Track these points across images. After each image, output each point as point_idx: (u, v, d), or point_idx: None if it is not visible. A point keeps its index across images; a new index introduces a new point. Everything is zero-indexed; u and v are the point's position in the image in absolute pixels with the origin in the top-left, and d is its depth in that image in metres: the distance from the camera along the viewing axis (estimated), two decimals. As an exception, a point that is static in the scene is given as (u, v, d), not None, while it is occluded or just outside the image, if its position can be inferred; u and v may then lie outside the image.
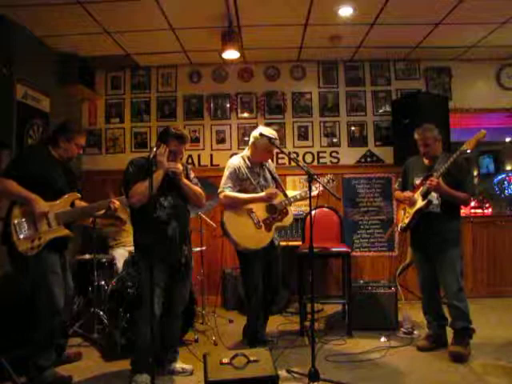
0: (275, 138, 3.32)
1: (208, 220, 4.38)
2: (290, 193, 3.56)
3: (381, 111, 5.36)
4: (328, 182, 3.44)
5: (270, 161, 3.65)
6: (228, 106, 5.39)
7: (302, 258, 3.88)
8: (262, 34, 4.51)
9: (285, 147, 5.22)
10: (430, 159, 3.35)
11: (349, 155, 5.33)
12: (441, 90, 5.27)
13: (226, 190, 3.33)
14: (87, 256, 4.11)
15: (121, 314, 3.35)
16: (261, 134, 3.35)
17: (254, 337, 3.40)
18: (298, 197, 3.44)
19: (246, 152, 3.52)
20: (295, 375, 2.85)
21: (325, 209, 4.55)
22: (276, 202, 3.39)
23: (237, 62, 5.12)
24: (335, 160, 5.33)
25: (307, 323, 3.76)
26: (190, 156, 5.33)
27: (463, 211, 4.26)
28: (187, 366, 3.01)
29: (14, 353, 2.78)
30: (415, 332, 3.70)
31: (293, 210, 3.58)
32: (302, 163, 3.09)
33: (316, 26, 4.35)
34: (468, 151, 3.11)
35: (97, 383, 2.89)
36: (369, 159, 5.33)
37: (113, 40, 4.55)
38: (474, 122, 5.61)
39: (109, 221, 4.25)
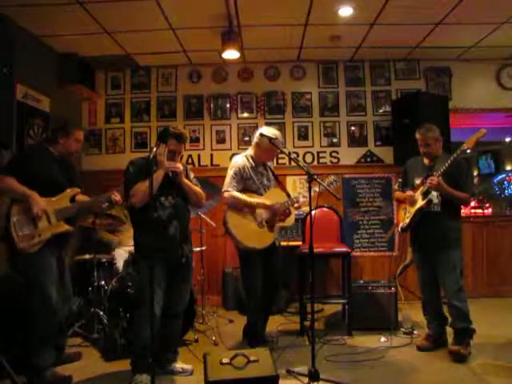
0: (275, 138, 3.32)
1: (208, 220, 4.38)
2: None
3: (381, 111, 5.36)
4: (331, 182, 3.43)
5: (269, 162, 3.65)
6: (228, 106, 5.39)
7: (302, 258, 3.88)
8: (262, 34, 4.51)
9: (285, 147, 5.21)
10: (431, 159, 3.35)
11: (349, 155, 5.33)
12: (441, 90, 5.27)
13: (231, 190, 3.32)
14: (87, 256, 4.10)
15: (121, 313, 3.35)
16: (261, 134, 3.35)
17: (254, 337, 3.40)
18: (301, 198, 3.42)
19: (250, 151, 3.51)
20: (295, 375, 2.85)
21: (325, 209, 4.55)
22: (279, 202, 3.39)
23: (237, 62, 5.12)
24: (335, 160, 5.33)
25: (307, 323, 3.76)
26: (189, 156, 5.33)
27: (463, 211, 4.25)
28: (187, 366, 3.01)
29: (14, 353, 2.78)
30: (415, 332, 3.70)
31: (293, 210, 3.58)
32: (302, 163, 3.08)
33: (316, 26, 4.35)
34: (468, 151, 3.11)
35: (97, 383, 2.89)
36: (369, 159, 5.33)
37: (113, 40, 4.55)
38: (474, 122, 5.61)
39: (108, 221, 4.25)
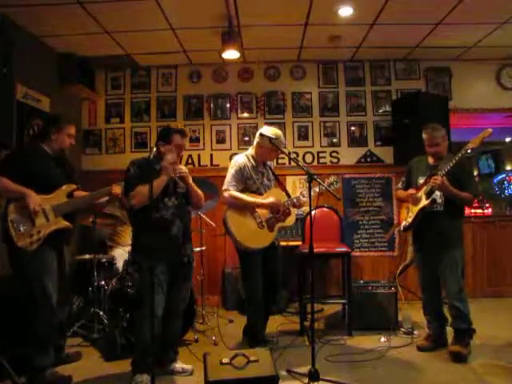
0: (276, 138, 3.31)
1: (208, 220, 4.37)
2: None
3: (381, 111, 5.36)
4: (332, 183, 3.44)
5: (270, 162, 3.65)
6: (228, 106, 5.39)
7: (302, 258, 3.88)
8: (262, 34, 4.51)
9: (285, 147, 5.21)
10: (436, 159, 3.33)
11: (349, 155, 5.33)
12: (441, 90, 5.27)
13: (231, 189, 3.32)
14: (87, 256, 4.10)
15: (121, 314, 3.35)
16: (261, 134, 3.35)
17: (254, 337, 3.40)
18: (301, 197, 3.41)
19: (251, 151, 3.51)
20: (295, 375, 2.85)
21: (325, 209, 4.55)
22: (279, 202, 3.39)
23: (237, 62, 5.12)
24: (335, 160, 5.33)
25: (307, 323, 3.76)
26: (189, 156, 5.33)
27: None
28: (187, 366, 3.01)
29: (14, 353, 2.78)
30: (415, 332, 3.70)
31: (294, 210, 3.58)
32: (301, 163, 3.09)
33: (316, 26, 4.35)
34: (469, 151, 3.10)
35: (97, 383, 2.89)
36: (369, 159, 5.32)
37: (113, 40, 4.55)
38: (474, 122, 5.61)
39: (108, 221, 4.25)
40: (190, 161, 5.33)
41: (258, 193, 3.40)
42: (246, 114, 5.40)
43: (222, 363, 2.40)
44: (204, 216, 4.29)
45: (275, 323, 4.09)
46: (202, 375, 2.42)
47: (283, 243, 4.46)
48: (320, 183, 3.15)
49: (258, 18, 4.15)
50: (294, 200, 3.40)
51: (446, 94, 5.22)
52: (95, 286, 3.79)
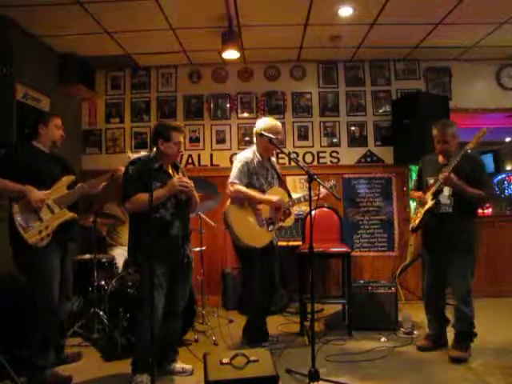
0: (276, 138, 3.31)
1: (208, 220, 4.37)
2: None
3: (381, 111, 5.36)
4: (331, 187, 3.43)
5: (273, 158, 3.64)
6: (228, 106, 5.39)
7: (302, 258, 3.88)
8: (262, 34, 4.51)
9: (285, 147, 5.22)
10: (445, 157, 3.25)
11: (349, 155, 5.33)
12: (441, 90, 5.27)
13: (237, 183, 3.29)
14: (87, 256, 4.10)
15: (121, 314, 3.35)
16: (261, 134, 3.35)
17: (254, 336, 3.40)
18: (302, 199, 3.43)
19: (256, 146, 3.51)
20: (295, 375, 2.85)
21: (325, 209, 4.54)
22: (283, 201, 3.38)
23: (237, 62, 5.12)
24: (335, 160, 5.33)
25: (307, 323, 3.76)
26: (190, 156, 5.33)
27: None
28: (187, 366, 3.01)
29: (14, 353, 2.78)
30: (415, 332, 3.71)
31: (293, 209, 3.58)
32: (301, 163, 3.09)
33: (316, 26, 4.35)
34: (469, 151, 3.09)
35: (97, 383, 2.88)
36: (369, 159, 5.32)
37: (113, 40, 4.55)
38: (474, 122, 5.61)
39: (108, 221, 4.25)
40: (190, 161, 5.33)
41: (261, 189, 3.38)
42: (246, 114, 5.40)
43: (221, 363, 2.40)
44: (204, 216, 4.29)
45: (275, 323, 4.09)
46: (202, 375, 2.42)
47: (283, 243, 4.47)
48: (320, 183, 3.14)
49: (258, 18, 4.15)
50: (296, 201, 3.41)
51: (446, 94, 5.22)
52: (95, 286, 3.79)
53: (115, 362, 3.19)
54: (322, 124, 5.36)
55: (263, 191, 3.39)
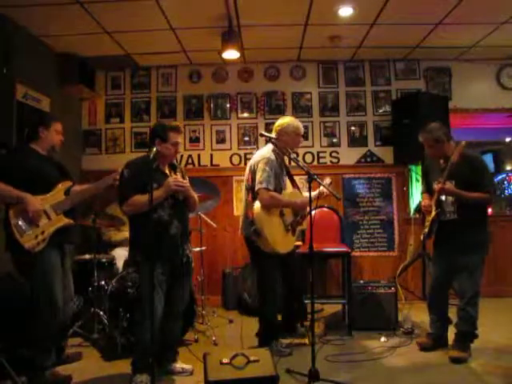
0: (275, 138, 3.30)
1: (208, 220, 4.37)
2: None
3: (381, 111, 5.36)
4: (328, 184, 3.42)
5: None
6: (228, 106, 5.39)
7: (302, 258, 3.87)
8: (262, 34, 4.51)
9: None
10: (445, 160, 3.20)
11: (349, 155, 5.33)
12: (441, 90, 5.27)
13: (271, 188, 3.17)
14: (87, 256, 4.10)
15: (121, 313, 3.34)
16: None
17: (270, 337, 3.36)
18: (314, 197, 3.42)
19: (272, 146, 3.39)
20: (295, 375, 2.85)
21: (325, 209, 4.55)
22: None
23: (237, 62, 5.12)
24: (335, 160, 5.33)
25: (307, 323, 3.76)
26: (189, 156, 5.33)
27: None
28: (187, 366, 3.01)
29: (15, 353, 2.78)
30: (415, 332, 3.70)
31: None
32: (302, 163, 3.08)
33: (316, 26, 4.35)
34: (468, 153, 3.08)
35: (97, 383, 2.88)
36: (369, 159, 5.32)
37: (113, 40, 4.55)
38: (474, 121, 5.62)
39: (108, 221, 4.25)
40: (190, 161, 5.33)
41: (280, 191, 3.32)
42: (245, 114, 5.40)
43: (222, 363, 2.40)
44: (204, 216, 4.29)
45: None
46: (202, 375, 2.42)
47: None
48: (320, 183, 3.14)
49: (257, 18, 4.16)
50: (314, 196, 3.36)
51: (446, 94, 5.22)
52: (95, 286, 3.79)
53: (115, 361, 3.19)
54: (321, 124, 5.36)
55: (280, 192, 3.33)
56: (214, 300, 4.86)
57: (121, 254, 4.27)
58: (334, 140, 5.34)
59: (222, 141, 5.37)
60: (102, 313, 3.69)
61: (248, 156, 5.33)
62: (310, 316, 3.02)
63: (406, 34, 4.58)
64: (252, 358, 2.42)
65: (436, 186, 3.09)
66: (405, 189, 5.23)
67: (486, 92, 5.29)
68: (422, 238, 3.42)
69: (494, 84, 5.30)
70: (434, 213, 3.18)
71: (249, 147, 5.34)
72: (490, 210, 5.56)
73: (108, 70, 5.39)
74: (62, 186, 2.93)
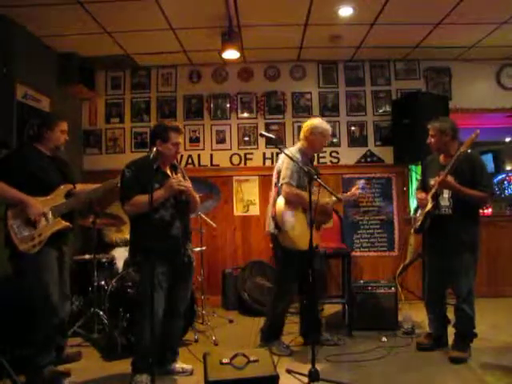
0: (275, 138, 3.30)
1: (208, 220, 4.37)
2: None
3: (381, 111, 5.36)
4: (363, 187, 3.53)
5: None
6: (228, 106, 5.39)
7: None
8: (262, 34, 4.51)
9: (285, 147, 5.21)
10: (446, 157, 3.25)
11: (349, 155, 5.33)
12: (441, 90, 5.27)
13: (293, 185, 3.21)
14: (87, 256, 4.11)
15: (121, 314, 3.35)
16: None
17: (274, 336, 3.42)
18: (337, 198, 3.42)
19: (299, 146, 3.45)
20: (295, 375, 2.85)
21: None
22: (330, 202, 3.38)
23: (237, 62, 5.12)
24: (335, 160, 5.33)
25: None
26: (189, 156, 5.33)
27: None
28: (187, 366, 3.01)
29: (14, 353, 2.78)
30: (415, 332, 3.70)
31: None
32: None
33: (316, 26, 4.35)
34: (468, 150, 3.08)
35: (97, 383, 2.89)
36: (369, 159, 5.32)
37: (113, 40, 4.55)
38: (474, 122, 5.60)
39: (109, 221, 4.25)
40: (189, 161, 5.32)
41: (304, 190, 3.30)
42: (245, 114, 5.40)
43: (221, 363, 2.40)
44: (204, 216, 4.28)
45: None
46: (202, 375, 2.42)
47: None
48: (320, 183, 3.13)
49: (258, 18, 4.16)
50: (341, 199, 3.43)
51: (446, 94, 5.22)
52: (95, 286, 3.79)
53: (115, 361, 3.19)
54: (322, 124, 5.35)
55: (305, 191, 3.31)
56: (214, 300, 4.86)
57: (121, 254, 4.27)
58: (334, 140, 5.33)
59: (222, 141, 5.37)
60: (101, 313, 3.70)
61: (248, 156, 5.34)
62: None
63: (406, 34, 4.58)
64: (252, 358, 2.42)
65: (437, 178, 3.09)
66: (405, 189, 5.23)
67: (486, 92, 5.28)
68: (412, 231, 3.43)
69: (493, 84, 5.30)
70: (430, 205, 3.19)
71: (249, 147, 5.34)
72: (490, 210, 5.58)
73: (108, 69, 5.39)
74: (62, 189, 2.93)
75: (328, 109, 5.38)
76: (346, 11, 4.04)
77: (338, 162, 5.33)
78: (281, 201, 3.23)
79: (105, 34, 4.38)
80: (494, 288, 4.98)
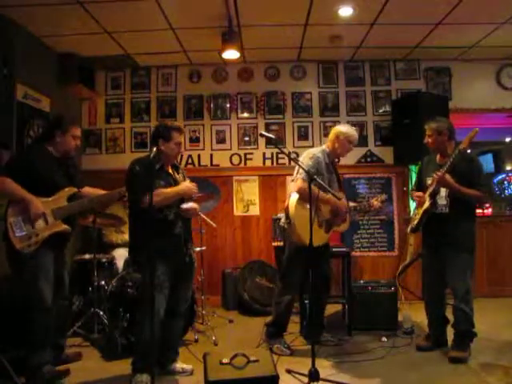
0: (275, 138, 3.30)
1: (208, 220, 4.37)
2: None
3: (381, 111, 5.36)
4: (383, 200, 3.61)
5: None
6: (228, 106, 5.39)
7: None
8: (262, 34, 4.51)
9: (285, 147, 5.22)
10: (442, 157, 3.27)
11: (349, 155, 5.21)
12: (441, 90, 5.27)
13: (307, 180, 3.17)
14: (87, 256, 4.11)
15: (121, 314, 3.35)
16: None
17: (275, 331, 3.45)
18: (358, 208, 3.56)
19: (325, 147, 3.51)
20: (295, 375, 2.85)
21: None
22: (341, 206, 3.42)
23: (237, 61, 5.12)
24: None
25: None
26: (189, 156, 5.33)
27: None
28: (187, 366, 3.01)
29: (14, 353, 2.78)
30: (415, 332, 3.70)
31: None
32: (302, 163, 3.08)
33: (316, 26, 4.35)
34: (468, 150, 3.09)
35: (97, 383, 2.88)
36: (369, 159, 5.33)
37: (113, 40, 4.54)
38: (474, 122, 5.61)
39: (109, 221, 4.25)
40: (189, 161, 5.32)
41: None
42: (246, 114, 5.40)
43: (221, 363, 2.40)
44: (204, 216, 4.28)
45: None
46: (202, 375, 2.42)
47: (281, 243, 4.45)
48: (320, 183, 3.13)
49: (258, 18, 4.15)
50: (362, 205, 3.53)
51: (446, 94, 5.22)
52: (95, 286, 3.79)
53: (115, 361, 3.19)
54: (321, 124, 5.36)
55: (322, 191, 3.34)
56: (214, 300, 4.86)
57: (121, 254, 4.28)
58: (334, 140, 5.33)
59: (222, 141, 5.37)
60: (101, 313, 3.70)
61: (248, 156, 5.34)
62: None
63: (406, 34, 4.58)
64: (252, 358, 2.42)
65: (435, 175, 3.10)
66: (405, 189, 5.23)
67: (486, 92, 5.28)
68: (408, 230, 3.44)
69: (494, 84, 5.30)
70: (427, 203, 3.19)
71: (249, 147, 5.34)
72: (490, 210, 5.58)
73: (108, 70, 5.39)
74: (66, 192, 2.93)
75: (328, 109, 5.38)
76: (345, 11, 4.04)
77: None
78: (295, 196, 3.30)
79: (105, 33, 4.38)
80: (494, 288, 4.98)
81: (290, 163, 5.20)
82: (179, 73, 5.41)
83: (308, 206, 3.22)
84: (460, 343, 3.14)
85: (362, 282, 4.12)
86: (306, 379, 2.68)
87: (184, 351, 3.29)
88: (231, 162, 5.33)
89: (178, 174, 3.02)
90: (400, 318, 3.90)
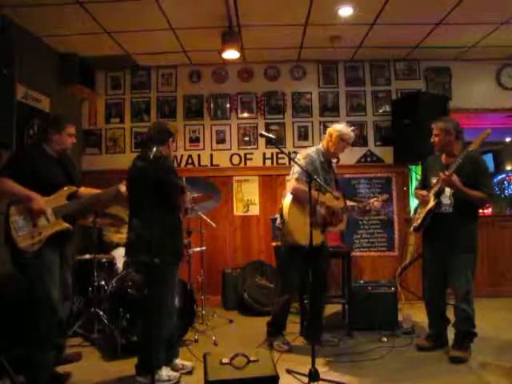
0: (275, 138, 3.31)
1: (208, 220, 4.37)
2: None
3: (381, 111, 5.36)
4: (384, 200, 3.54)
5: (334, 160, 3.64)
6: (228, 106, 5.39)
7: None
8: (262, 34, 4.51)
9: (284, 147, 5.23)
10: (448, 157, 3.26)
11: (349, 155, 5.30)
12: (441, 90, 5.27)
13: (302, 180, 3.23)
14: (87, 256, 4.10)
15: (121, 314, 3.34)
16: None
17: (274, 329, 3.49)
18: (360, 207, 3.50)
19: (320, 146, 3.52)
20: (295, 375, 2.85)
21: (325, 209, 4.54)
22: (337, 206, 3.41)
23: (237, 62, 5.12)
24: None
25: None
26: (189, 156, 5.33)
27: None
28: (187, 363, 3.02)
29: (14, 353, 2.78)
30: (415, 332, 3.70)
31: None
32: (302, 163, 3.09)
33: (316, 26, 4.35)
34: (471, 150, 3.08)
35: (97, 383, 2.88)
36: (369, 159, 5.33)
37: (113, 40, 4.55)
38: (474, 122, 5.61)
39: (109, 221, 4.24)
40: (189, 161, 5.32)
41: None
42: (245, 114, 5.40)
43: (222, 363, 2.40)
44: (204, 216, 4.28)
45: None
46: (202, 375, 2.42)
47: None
48: (319, 182, 3.13)
49: (258, 18, 4.16)
50: (362, 205, 3.48)
51: (446, 94, 5.22)
52: (95, 286, 3.79)
53: (115, 361, 3.19)
54: (321, 124, 5.36)
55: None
56: (213, 300, 4.86)
57: (121, 254, 4.25)
58: (334, 140, 5.32)
59: (222, 141, 5.37)
60: (101, 313, 3.69)
61: (248, 156, 5.34)
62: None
63: (406, 34, 4.58)
64: (252, 358, 2.42)
65: (441, 175, 3.08)
66: (405, 189, 5.23)
67: (486, 92, 5.28)
68: (411, 228, 3.43)
69: (493, 84, 5.30)
70: (432, 203, 3.19)
71: (249, 147, 5.35)
72: (490, 210, 5.58)
73: (108, 69, 5.39)
74: (65, 191, 2.93)
75: (328, 109, 5.38)
76: (345, 11, 4.04)
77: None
78: (290, 196, 3.31)
79: (105, 34, 4.38)
80: (494, 288, 4.98)
81: (290, 163, 5.19)
82: (179, 73, 5.42)
83: (301, 206, 3.26)
84: (461, 343, 3.14)
85: (361, 281, 4.12)
86: (305, 379, 2.68)
87: (184, 351, 3.29)
88: (231, 162, 5.33)
89: None
90: (400, 318, 3.89)
